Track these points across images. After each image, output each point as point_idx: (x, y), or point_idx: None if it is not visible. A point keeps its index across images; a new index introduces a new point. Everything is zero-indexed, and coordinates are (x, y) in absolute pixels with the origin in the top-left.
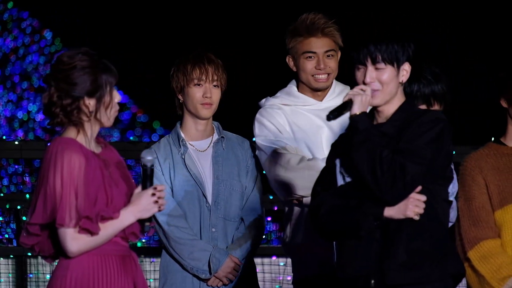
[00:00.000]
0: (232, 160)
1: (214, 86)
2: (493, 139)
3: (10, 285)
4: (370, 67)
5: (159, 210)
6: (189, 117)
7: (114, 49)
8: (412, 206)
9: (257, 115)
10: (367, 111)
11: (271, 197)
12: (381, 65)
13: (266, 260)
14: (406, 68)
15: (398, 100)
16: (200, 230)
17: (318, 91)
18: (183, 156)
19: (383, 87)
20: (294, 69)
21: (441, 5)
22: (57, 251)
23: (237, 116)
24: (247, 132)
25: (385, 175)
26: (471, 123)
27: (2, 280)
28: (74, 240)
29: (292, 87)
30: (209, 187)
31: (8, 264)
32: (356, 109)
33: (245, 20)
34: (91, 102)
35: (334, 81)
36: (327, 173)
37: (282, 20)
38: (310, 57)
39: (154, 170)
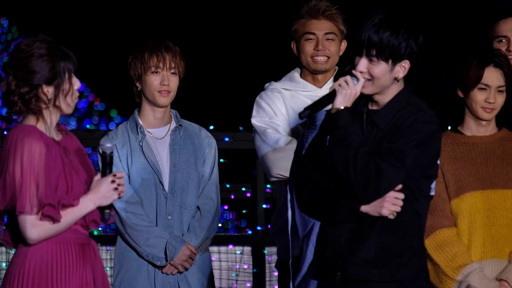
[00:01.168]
0: (189, 149)
1: (172, 73)
2: (449, 128)
3: None
4: (364, 57)
5: (119, 197)
6: (147, 105)
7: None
8: (388, 205)
9: (257, 97)
10: (351, 104)
11: (228, 186)
12: (374, 58)
13: (222, 248)
14: (405, 65)
15: (394, 90)
16: (156, 218)
17: (317, 74)
18: (140, 143)
19: (374, 79)
20: (297, 53)
21: (441, 5)
22: (15, 239)
23: (236, 116)
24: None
25: (357, 176)
26: None
27: None
28: (35, 228)
29: (295, 72)
30: (166, 175)
31: None
32: (339, 103)
33: (245, 20)
34: (49, 90)
35: (337, 69)
36: (315, 149)
37: (282, 20)
38: (310, 39)
39: (113, 157)
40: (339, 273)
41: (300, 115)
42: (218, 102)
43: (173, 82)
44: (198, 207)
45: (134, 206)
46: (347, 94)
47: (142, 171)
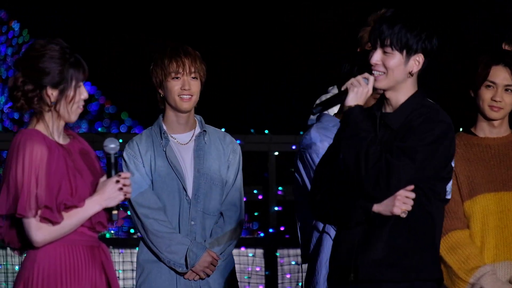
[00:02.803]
0: (214, 154)
1: (193, 78)
2: (461, 129)
3: None
4: (379, 49)
5: (126, 198)
6: (171, 111)
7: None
8: (399, 203)
9: (317, 100)
10: (363, 102)
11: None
12: (388, 49)
13: (235, 251)
14: (419, 59)
15: (408, 90)
16: (179, 223)
17: None
18: (164, 149)
19: (388, 72)
20: None
21: (441, 5)
22: (25, 243)
23: (237, 115)
24: (248, 129)
25: (369, 173)
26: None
27: None
28: (39, 230)
29: None
30: (190, 180)
31: None
32: (350, 101)
33: (245, 20)
34: (53, 93)
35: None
36: (329, 156)
37: (282, 20)
38: None
39: (117, 158)
40: (352, 274)
41: (313, 111)
42: (219, 102)
43: (194, 86)
44: (221, 213)
45: (156, 212)
46: (358, 92)
47: (166, 176)
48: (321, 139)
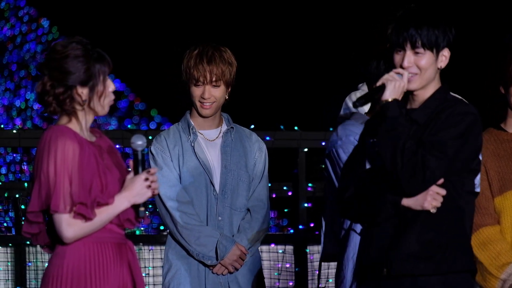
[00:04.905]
0: (240, 151)
1: (214, 86)
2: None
3: (9, 274)
4: (409, 51)
5: (153, 195)
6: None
7: (112, 39)
8: (430, 198)
9: (346, 97)
10: (400, 97)
11: (269, 185)
12: (421, 50)
13: (264, 247)
14: (446, 54)
15: (434, 86)
16: (206, 218)
17: None
18: (192, 144)
19: (421, 72)
20: None
21: (441, 4)
22: (54, 240)
23: (266, 111)
24: (278, 126)
25: (404, 167)
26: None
27: (1, 268)
28: (70, 226)
29: None
30: (217, 176)
31: (7, 252)
32: (388, 95)
33: (274, 17)
34: (84, 91)
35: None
36: (357, 154)
37: (282, 20)
38: None
39: (145, 155)
40: (385, 269)
41: (355, 104)
42: (248, 98)
43: (216, 93)
44: (248, 209)
45: (185, 205)
46: (395, 86)
47: (194, 171)
48: (346, 134)
